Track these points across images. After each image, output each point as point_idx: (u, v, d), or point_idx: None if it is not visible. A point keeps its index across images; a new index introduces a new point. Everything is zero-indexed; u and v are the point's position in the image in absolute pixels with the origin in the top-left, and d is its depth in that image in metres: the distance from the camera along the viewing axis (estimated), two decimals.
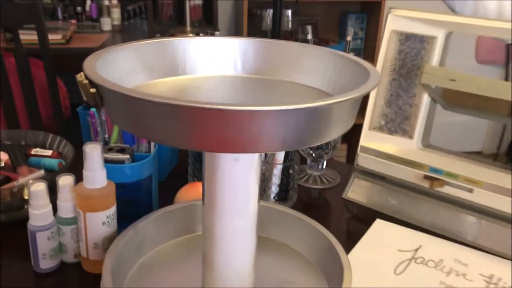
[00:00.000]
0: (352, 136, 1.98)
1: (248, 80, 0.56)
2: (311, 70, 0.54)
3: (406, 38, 0.73)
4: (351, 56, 0.49)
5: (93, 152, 0.55)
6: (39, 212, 0.57)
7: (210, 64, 0.56)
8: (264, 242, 0.64)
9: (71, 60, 1.30)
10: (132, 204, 0.67)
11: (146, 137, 0.41)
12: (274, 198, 0.77)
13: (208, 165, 0.48)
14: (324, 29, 2.50)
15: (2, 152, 0.75)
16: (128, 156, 0.64)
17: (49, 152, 0.75)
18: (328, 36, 2.44)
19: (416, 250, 0.67)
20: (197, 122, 0.36)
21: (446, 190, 0.72)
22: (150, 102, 0.36)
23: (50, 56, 1.45)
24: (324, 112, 0.38)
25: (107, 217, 0.58)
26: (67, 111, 1.66)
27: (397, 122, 0.75)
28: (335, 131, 0.41)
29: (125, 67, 0.50)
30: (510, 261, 0.65)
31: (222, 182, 0.48)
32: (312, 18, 2.46)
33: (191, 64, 0.55)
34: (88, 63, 0.43)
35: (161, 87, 0.51)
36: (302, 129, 0.38)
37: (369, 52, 2.40)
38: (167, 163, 0.85)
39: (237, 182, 0.48)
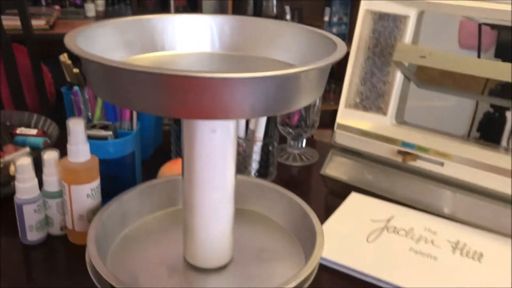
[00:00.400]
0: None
1: (225, 56, 0.58)
2: (285, 46, 0.56)
3: (380, 18, 0.76)
4: (321, 30, 0.52)
5: (76, 127, 0.58)
6: (25, 185, 0.59)
7: (188, 41, 0.58)
8: (243, 214, 0.67)
9: (55, 46, 1.31)
10: (116, 180, 0.69)
11: (127, 106, 0.43)
12: (254, 174, 0.80)
13: (187, 138, 0.51)
14: (309, 15, 2.53)
15: None
16: (111, 132, 0.67)
17: (34, 131, 0.77)
18: (313, 22, 2.47)
19: (389, 220, 0.70)
20: (173, 90, 0.38)
21: (419, 164, 0.76)
22: (129, 71, 0.39)
23: (33, 42, 1.46)
24: (291, 81, 0.41)
25: (91, 189, 0.60)
26: (52, 97, 1.66)
27: (371, 100, 0.78)
28: (303, 100, 0.43)
29: (105, 44, 0.52)
30: (475, 228, 0.69)
31: (200, 154, 0.51)
32: (297, 3, 2.48)
33: (170, 40, 0.57)
34: (69, 38, 0.45)
35: (140, 62, 0.54)
36: (271, 97, 0.40)
37: (353, 37, 2.43)
38: (151, 142, 0.88)
39: (215, 154, 0.51)
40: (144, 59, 0.54)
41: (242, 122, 0.78)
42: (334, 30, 2.49)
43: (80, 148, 0.58)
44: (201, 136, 0.49)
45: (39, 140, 0.75)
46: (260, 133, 0.78)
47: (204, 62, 0.57)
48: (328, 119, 2.40)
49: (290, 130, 0.87)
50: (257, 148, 0.78)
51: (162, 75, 0.37)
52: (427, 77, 0.80)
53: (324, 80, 0.46)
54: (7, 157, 0.68)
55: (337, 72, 2.05)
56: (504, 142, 0.76)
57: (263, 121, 0.77)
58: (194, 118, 0.40)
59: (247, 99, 0.39)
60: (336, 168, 0.84)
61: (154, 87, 0.39)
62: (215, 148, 0.50)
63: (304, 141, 0.91)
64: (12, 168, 0.67)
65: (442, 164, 0.74)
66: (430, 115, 0.91)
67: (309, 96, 0.44)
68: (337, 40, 0.48)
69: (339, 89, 2.44)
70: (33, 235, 0.62)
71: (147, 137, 0.84)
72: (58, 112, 1.18)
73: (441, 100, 0.99)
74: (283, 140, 0.93)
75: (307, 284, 0.52)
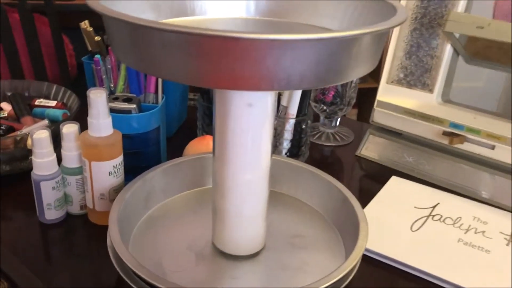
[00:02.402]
0: (364, 100, 1.94)
1: (261, 22, 0.52)
2: (329, 11, 0.50)
3: None
4: None
5: (97, 98, 0.53)
6: (43, 160, 0.55)
7: (220, 5, 0.52)
8: (276, 197, 0.62)
9: (76, 17, 1.26)
10: (140, 157, 0.65)
11: (154, 73, 0.38)
12: (285, 154, 0.74)
13: (220, 113, 0.45)
14: None
15: (5, 103, 0.72)
16: (135, 106, 0.62)
17: (53, 103, 0.72)
18: None
19: (434, 207, 0.64)
20: (207, 54, 0.33)
21: (466, 147, 0.69)
22: (158, 31, 0.33)
23: (55, 12, 1.41)
24: (345, 47, 0.35)
25: (114, 167, 0.56)
26: (74, 69, 1.62)
27: (416, 75, 0.71)
28: (356, 70, 0.37)
29: (131, 6, 0.46)
30: None
31: (234, 130, 0.45)
32: None
33: (201, 4, 0.52)
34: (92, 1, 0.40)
35: None
36: (322, 65, 0.34)
37: None
38: (175, 118, 0.83)
39: (250, 130, 0.46)
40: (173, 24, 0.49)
41: None
42: None
43: (101, 122, 0.54)
44: (236, 111, 0.44)
45: (59, 113, 0.71)
46: (293, 110, 0.72)
47: (238, 28, 0.51)
48: (355, 98, 2.32)
49: (325, 107, 0.81)
50: (289, 126, 0.73)
51: (196, 35, 0.32)
52: (475, 49, 0.73)
53: (380, 49, 0.40)
54: (24, 130, 0.64)
55: None
56: None
57: (297, 97, 0.71)
58: (231, 88, 0.35)
59: (296, 66, 0.33)
60: (374, 149, 0.78)
61: (186, 51, 0.33)
62: (251, 124, 0.45)
63: (339, 119, 0.85)
64: (29, 141, 0.63)
65: (493, 147, 0.67)
66: (476, 95, 0.83)
67: (363, 66, 0.38)
68: (395, 3, 0.42)
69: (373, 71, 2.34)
70: (51, 214, 0.58)
71: (172, 113, 0.79)
72: (79, 85, 1.14)
73: (488, 79, 0.91)
74: (315, 118, 0.87)
75: (349, 278, 0.47)
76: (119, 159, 0.56)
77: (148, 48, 0.35)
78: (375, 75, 2.01)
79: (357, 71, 0.38)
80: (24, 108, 0.71)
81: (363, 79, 2.39)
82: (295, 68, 0.33)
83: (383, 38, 0.39)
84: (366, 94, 1.87)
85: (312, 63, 0.34)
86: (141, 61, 0.37)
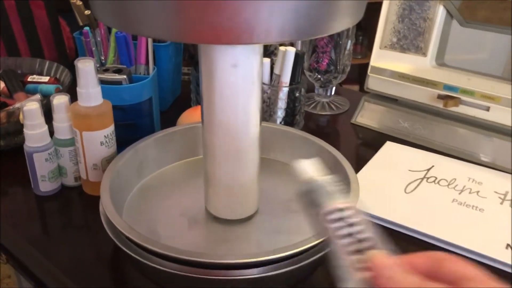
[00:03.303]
0: (364, 75, 1.93)
1: None
2: None
3: None
4: None
5: (85, 67, 0.53)
6: (35, 132, 0.55)
7: None
8: (269, 164, 0.62)
9: None
10: (133, 128, 0.65)
11: (134, 31, 0.38)
12: (280, 123, 0.74)
13: (205, 76, 0.45)
14: None
15: None
16: (125, 76, 0.61)
17: (46, 79, 0.72)
18: None
19: (428, 170, 0.64)
20: (184, 6, 0.33)
21: (461, 109, 0.69)
22: None
23: None
24: None
25: (105, 136, 0.56)
26: (72, 52, 1.62)
27: (410, 39, 0.71)
28: (340, 21, 0.37)
29: None
30: None
31: (221, 95, 0.45)
32: None
33: None
34: None
35: None
36: (301, 16, 0.34)
37: None
38: (170, 91, 0.82)
39: (237, 94, 0.45)
40: None
41: (267, 67, 0.72)
42: None
43: (91, 91, 0.54)
44: (221, 72, 0.44)
45: (51, 88, 0.71)
46: (286, 78, 0.71)
47: None
48: (356, 74, 2.30)
49: (319, 76, 0.81)
50: (282, 94, 0.72)
51: None
52: (470, 10, 0.72)
53: (363, 1, 0.40)
54: (17, 104, 0.64)
55: (365, 22, 1.95)
56: None
57: (289, 64, 0.71)
58: (211, 42, 0.35)
59: (274, 17, 0.33)
60: (369, 116, 0.77)
61: (163, 4, 0.33)
62: (237, 86, 0.45)
63: (334, 88, 0.85)
64: (21, 116, 0.63)
65: (488, 108, 0.67)
66: (471, 60, 0.83)
67: (346, 18, 0.38)
68: None
69: (367, 41, 2.32)
70: (46, 186, 0.58)
71: (166, 86, 0.79)
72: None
73: (485, 42, 0.90)
74: (310, 88, 0.87)
75: None
76: (110, 129, 0.56)
77: (126, 2, 0.35)
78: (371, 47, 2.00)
79: (340, 23, 0.37)
80: (17, 85, 0.71)
81: (363, 54, 2.37)
82: (273, 20, 0.33)
83: None
84: (367, 69, 1.86)
85: (290, 14, 0.33)
86: (121, 18, 0.36)
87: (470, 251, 0.50)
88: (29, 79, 0.73)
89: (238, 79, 0.44)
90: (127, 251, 0.45)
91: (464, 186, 0.61)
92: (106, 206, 0.47)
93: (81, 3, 0.71)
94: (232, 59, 0.43)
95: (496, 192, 0.60)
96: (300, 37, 0.35)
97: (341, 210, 0.30)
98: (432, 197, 0.59)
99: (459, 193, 0.59)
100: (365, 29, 2.28)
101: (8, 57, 0.76)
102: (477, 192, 0.60)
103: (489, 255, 0.49)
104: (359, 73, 2.30)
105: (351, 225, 0.30)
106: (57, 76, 0.73)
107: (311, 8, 0.34)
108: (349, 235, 0.29)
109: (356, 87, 2.38)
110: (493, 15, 0.71)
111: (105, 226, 0.48)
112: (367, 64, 0.76)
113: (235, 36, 0.34)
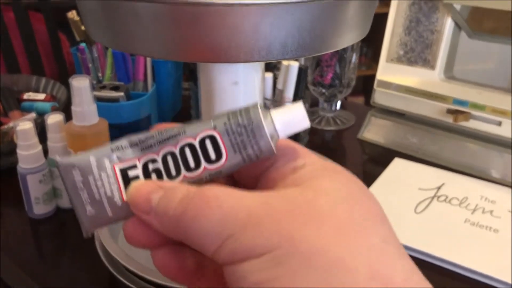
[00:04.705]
0: (370, 88, 1.90)
1: None
2: None
3: None
4: None
5: (80, 85, 0.50)
6: (28, 153, 0.53)
7: None
8: None
9: None
10: None
11: (127, 48, 0.36)
12: None
13: (205, 93, 0.43)
14: None
15: None
16: (122, 93, 0.59)
17: (42, 96, 0.70)
18: None
19: (439, 188, 0.62)
20: (181, 23, 0.30)
21: (472, 124, 0.66)
22: (129, 2, 0.31)
23: (50, 9, 1.39)
24: (329, 11, 0.32)
25: None
26: (72, 67, 1.61)
27: (417, 52, 0.68)
28: (345, 37, 0.35)
29: None
30: None
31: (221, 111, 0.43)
32: None
33: None
34: None
35: None
36: (305, 31, 0.32)
37: None
38: (170, 107, 0.80)
39: None
40: None
41: (269, 81, 0.70)
42: None
43: (85, 109, 0.51)
44: (221, 90, 0.41)
45: (47, 106, 0.69)
46: (289, 93, 0.69)
47: None
48: (361, 85, 2.28)
49: (323, 90, 0.79)
50: None
51: (168, 3, 0.30)
52: (478, 22, 0.70)
53: (369, 16, 0.37)
54: (10, 124, 0.62)
55: (369, 32, 1.93)
56: None
57: (292, 79, 0.68)
58: (209, 60, 0.32)
59: (275, 34, 0.31)
60: (376, 131, 0.75)
61: (159, 21, 0.31)
62: (237, 104, 0.42)
63: (339, 103, 0.82)
64: (15, 136, 0.61)
65: (499, 123, 0.64)
66: (481, 72, 0.80)
67: (351, 33, 0.35)
68: None
69: (372, 52, 2.30)
70: (40, 208, 0.56)
71: (165, 103, 0.77)
72: None
73: (500, 59, 0.87)
74: (314, 102, 0.84)
75: None
76: None
77: (121, 21, 0.33)
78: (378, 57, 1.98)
79: (346, 39, 0.35)
80: (13, 103, 0.69)
81: (367, 65, 2.35)
82: (275, 36, 0.31)
83: (373, 3, 0.36)
84: (372, 80, 1.83)
85: (293, 29, 0.31)
86: (115, 36, 0.34)
87: (486, 276, 0.47)
88: (25, 97, 0.71)
89: (239, 97, 0.42)
90: (124, 281, 0.42)
91: (477, 205, 0.58)
92: (101, 231, 0.45)
93: (78, 18, 0.69)
94: (232, 77, 0.41)
95: (510, 211, 0.57)
96: (304, 54, 0.33)
97: None
98: (443, 217, 0.56)
99: (472, 213, 0.57)
100: (369, 40, 2.26)
101: (5, 74, 0.75)
102: (491, 211, 0.57)
103: (507, 281, 0.46)
104: (364, 84, 2.28)
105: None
106: (54, 93, 0.72)
107: (315, 23, 0.32)
108: None
109: (360, 99, 2.36)
110: (500, 25, 0.69)
111: (100, 253, 0.46)
112: (371, 76, 0.73)
113: (234, 54, 0.31)
